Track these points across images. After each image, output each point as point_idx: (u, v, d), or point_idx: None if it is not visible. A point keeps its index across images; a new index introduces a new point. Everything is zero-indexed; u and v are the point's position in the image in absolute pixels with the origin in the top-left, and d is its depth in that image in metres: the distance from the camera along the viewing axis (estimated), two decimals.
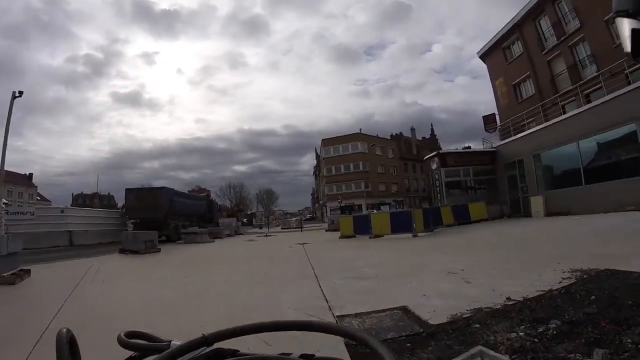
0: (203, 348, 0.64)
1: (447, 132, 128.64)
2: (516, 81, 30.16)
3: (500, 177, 24.58)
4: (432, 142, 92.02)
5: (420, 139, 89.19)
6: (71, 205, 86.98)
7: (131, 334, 0.71)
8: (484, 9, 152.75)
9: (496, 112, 33.64)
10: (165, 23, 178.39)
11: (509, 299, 4.83)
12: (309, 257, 10.78)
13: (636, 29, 0.86)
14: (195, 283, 7.62)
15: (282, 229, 43.67)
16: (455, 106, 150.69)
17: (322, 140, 67.99)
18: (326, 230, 27.33)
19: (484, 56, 34.69)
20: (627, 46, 0.89)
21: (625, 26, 0.88)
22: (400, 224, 16.38)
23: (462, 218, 20.03)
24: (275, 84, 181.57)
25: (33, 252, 17.36)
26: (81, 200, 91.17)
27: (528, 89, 29.55)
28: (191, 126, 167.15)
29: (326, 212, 64.26)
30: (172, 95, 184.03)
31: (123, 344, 0.69)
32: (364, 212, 49.37)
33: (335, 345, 2.76)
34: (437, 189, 24.21)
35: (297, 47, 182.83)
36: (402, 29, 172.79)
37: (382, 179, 65.84)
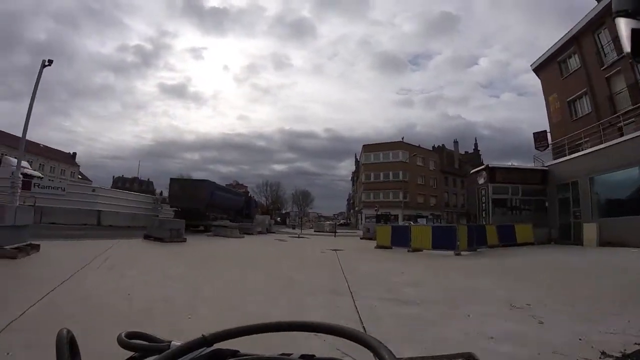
0: (203, 348, 0.63)
1: (489, 149, 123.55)
2: (571, 97, 27.63)
3: (550, 198, 22.41)
4: (475, 157, 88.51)
5: (463, 153, 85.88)
6: (111, 188, 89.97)
7: (131, 335, 0.70)
8: (532, 25, 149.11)
9: (548, 130, 31.38)
10: (214, 20, 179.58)
11: (604, 354, 3.59)
12: (342, 266, 9.58)
13: (636, 29, 0.87)
14: (210, 283, 6.57)
15: (315, 231, 42.57)
16: (499, 123, 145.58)
17: (363, 146, 66.67)
18: (361, 238, 26.02)
19: (538, 69, 32.30)
20: (627, 46, 0.89)
21: (626, 26, 0.89)
22: (443, 240, 14.91)
23: (507, 239, 18.30)
24: (319, 87, 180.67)
25: (58, 228, 17.25)
26: (121, 183, 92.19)
27: (584, 106, 26.99)
28: (233, 122, 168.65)
29: (361, 219, 62.90)
30: (217, 90, 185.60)
31: (123, 344, 0.67)
32: (400, 222, 47.68)
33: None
34: (483, 205, 22.35)
35: (342, 52, 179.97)
36: (448, 40, 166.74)
37: (421, 191, 63.63)
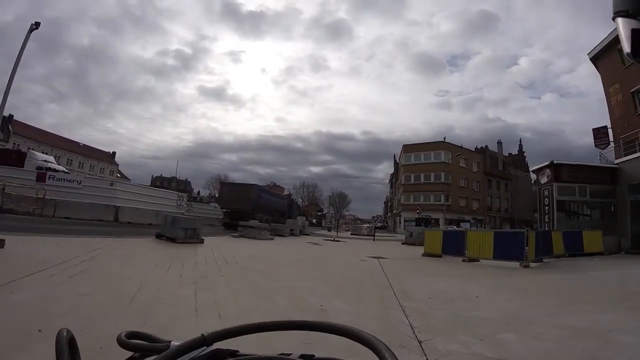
0: (203, 348, 0.63)
1: (530, 152, 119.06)
2: (635, 88, 24.04)
3: (620, 201, 19.15)
4: (519, 159, 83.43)
5: (507, 154, 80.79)
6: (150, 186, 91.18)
7: (131, 335, 0.69)
8: (573, 24, 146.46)
9: (608, 125, 27.77)
10: (252, 23, 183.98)
11: None
12: (391, 284, 7.12)
13: (636, 29, 0.86)
14: (201, 311, 4.29)
15: (351, 234, 40.10)
16: (541, 125, 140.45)
17: (403, 146, 63.46)
18: (402, 243, 23.36)
19: (596, 58, 28.46)
20: (627, 46, 0.89)
21: (625, 26, 0.88)
22: (507, 248, 12.28)
23: (574, 248, 15.65)
24: (356, 89, 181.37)
25: (72, 223, 15.73)
26: (159, 182, 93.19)
27: None
28: (271, 124, 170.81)
29: (400, 222, 60.01)
30: (255, 93, 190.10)
31: (123, 344, 0.67)
32: (441, 227, 44.43)
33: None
34: (546, 208, 19.20)
35: (379, 54, 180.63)
36: (487, 40, 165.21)
37: (464, 194, 59.67)
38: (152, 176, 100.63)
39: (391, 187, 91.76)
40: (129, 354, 0.68)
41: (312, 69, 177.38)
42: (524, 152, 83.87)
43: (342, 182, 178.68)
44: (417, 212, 43.38)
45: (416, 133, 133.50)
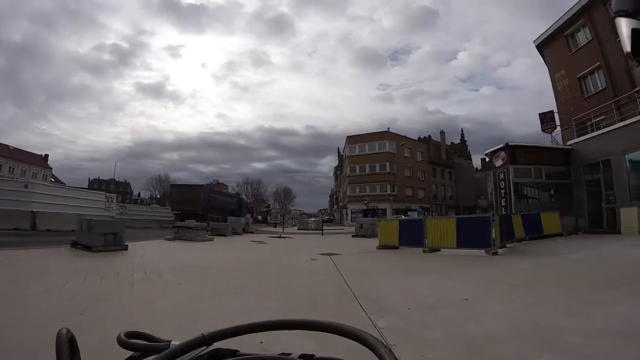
0: (203, 348, 0.63)
1: (471, 142, 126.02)
2: (582, 73, 24.70)
3: (576, 181, 19.33)
4: (462, 147, 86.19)
5: (449, 144, 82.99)
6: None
7: (131, 334, 0.69)
8: (511, 19, 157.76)
9: (555, 110, 28.62)
10: (192, 17, 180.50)
11: None
12: (352, 289, 5.73)
13: (636, 29, 0.87)
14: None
15: (298, 229, 38.68)
16: (480, 116, 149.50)
17: (348, 137, 62.87)
18: (353, 236, 22.28)
19: (542, 45, 29.29)
20: (627, 46, 0.89)
21: (626, 26, 0.88)
22: (471, 235, 11.45)
23: (533, 231, 15.36)
24: (298, 84, 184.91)
25: None
26: (97, 185, 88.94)
27: (596, 82, 24.16)
28: (212, 120, 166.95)
29: (347, 214, 59.63)
30: (195, 88, 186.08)
31: (123, 344, 0.67)
32: (388, 217, 44.24)
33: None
34: (502, 191, 18.81)
35: (321, 49, 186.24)
36: (428, 35, 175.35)
37: (409, 183, 60.23)
38: (89, 179, 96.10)
39: (336, 180, 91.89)
40: (129, 353, 0.67)
41: (254, 64, 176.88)
42: (465, 140, 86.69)
43: (287, 177, 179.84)
44: (365, 203, 42.73)
45: (359, 126, 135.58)
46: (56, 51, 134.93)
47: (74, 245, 11.21)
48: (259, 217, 65.50)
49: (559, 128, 26.81)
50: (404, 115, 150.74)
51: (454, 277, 7.08)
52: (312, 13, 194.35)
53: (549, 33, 27.37)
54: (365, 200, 43.79)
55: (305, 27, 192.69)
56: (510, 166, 18.47)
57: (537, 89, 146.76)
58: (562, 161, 19.64)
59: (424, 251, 11.99)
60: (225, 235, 21.38)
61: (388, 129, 62.37)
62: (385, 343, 0.54)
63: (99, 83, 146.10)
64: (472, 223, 12.09)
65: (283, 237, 21.16)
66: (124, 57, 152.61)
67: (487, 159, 20.92)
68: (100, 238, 10.79)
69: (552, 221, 16.26)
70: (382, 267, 9.15)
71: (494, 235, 10.89)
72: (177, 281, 6.38)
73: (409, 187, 59.91)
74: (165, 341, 0.69)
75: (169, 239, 16.73)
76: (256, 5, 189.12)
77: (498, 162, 19.26)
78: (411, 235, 13.08)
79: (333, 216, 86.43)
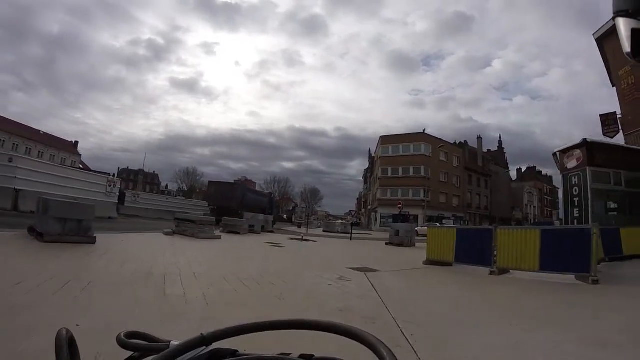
0: (202, 348, 0.63)
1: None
2: None
3: None
4: (499, 155, 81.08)
5: (486, 151, 78.02)
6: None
7: (130, 335, 0.68)
8: (546, 28, 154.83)
9: (618, 113, 24.54)
10: (226, 15, 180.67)
11: None
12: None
13: (636, 29, 0.87)
14: None
15: (324, 231, 35.60)
16: (512, 126, 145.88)
17: (381, 137, 59.26)
18: (386, 244, 18.96)
19: (603, 39, 25.05)
20: (627, 46, 0.89)
21: (626, 26, 0.89)
22: (561, 255, 8.18)
23: (612, 250, 11.67)
24: (329, 86, 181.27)
25: None
26: (126, 174, 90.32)
27: None
28: (244, 118, 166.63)
29: (375, 219, 56.19)
30: (228, 86, 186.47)
31: (122, 344, 0.66)
32: (421, 224, 40.62)
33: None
34: (576, 199, 14.99)
35: (353, 50, 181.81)
36: (462, 41, 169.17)
37: (444, 189, 56.07)
38: (119, 168, 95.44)
39: (365, 182, 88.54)
40: (129, 353, 0.66)
41: (287, 64, 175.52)
42: (503, 148, 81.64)
43: (314, 178, 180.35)
44: (399, 207, 39.02)
45: (389, 130, 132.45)
46: (92, 43, 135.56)
47: (31, 231, 8.58)
48: (284, 216, 63.01)
49: (622, 131, 22.82)
50: (435, 121, 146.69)
51: (589, 334, 3.75)
52: (345, 15, 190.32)
53: (611, 25, 23.32)
54: (400, 204, 40.09)
55: (337, 29, 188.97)
56: (588, 168, 14.66)
57: (572, 100, 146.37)
58: None
59: (491, 273, 8.72)
60: (239, 233, 18.52)
61: (424, 130, 58.54)
62: (385, 343, 0.53)
63: (134, 76, 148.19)
64: (564, 238, 8.65)
65: (305, 240, 18.07)
66: (159, 52, 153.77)
67: (557, 159, 16.96)
68: (56, 225, 8.06)
69: (633, 239, 12.49)
70: (454, 302, 5.84)
71: (592, 256, 7.60)
72: (119, 310, 3.31)
73: (443, 193, 55.79)
74: (164, 341, 0.67)
75: (167, 233, 13.93)
76: (290, 5, 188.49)
77: (571, 163, 15.46)
78: (472, 250, 9.79)
79: (360, 220, 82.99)
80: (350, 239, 22.15)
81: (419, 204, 48.85)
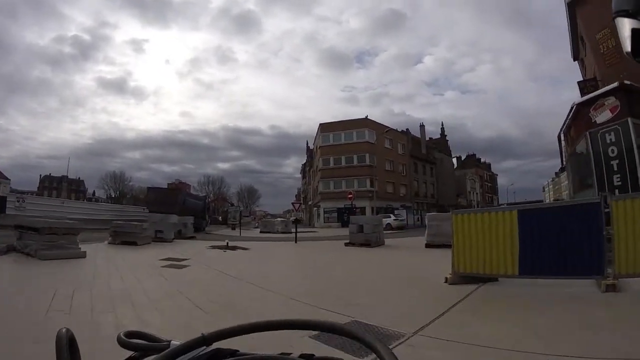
0: (203, 348, 0.62)
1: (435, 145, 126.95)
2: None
3: None
4: (442, 142, 79.53)
5: (428, 139, 76.05)
6: (37, 189, 76.02)
7: (131, 334, 0.67)
8: (478, 25, 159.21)
9: (598, 78, 21.69)
10: (156, 10, 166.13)
11: None
12: None
13: (636, 29, 0.87)
14: None
15: (261, 232, 29.88)
16: (444, 120, 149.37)
17: (320, 124, 54.17)
18: (347, 244, 13.90)
19: (575, 3, 22.28)
20: (627, 46, 0.88)
21: (625, 26, 0.88)
22: None
23: None
24: (263, 83, 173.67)
25: None
26: (48, 182, 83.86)
27: None
28: (176, 119, 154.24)
29: (318, 214, 51.26)
30: (159, 85, 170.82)
31: (123, 343, 0.65)
32: (368, 217, 36.17)
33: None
34: (615, 163, 10.64)
35: (287, 48, 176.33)
36: (394, 38, 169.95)
37: (391, 178, 52.17)
38: (41, 175, 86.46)
39: (304, 177, 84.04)
40: (129, 353, 0.66)
41: (219, 61, 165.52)
42: (446, 135, 79.83)
43: (251, 178, 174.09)
44: (350, 198, 33.95)
45: None
46: (16, 42, 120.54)
47: None
48: (219, 218, 56.70)
49: None
50: (370, 116, 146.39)
51: None
52: (279, 11, 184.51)
53: None
54: (351, 194, 35.13)
55: (271, 25, 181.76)
56: (630, 120, 10.38)
57: (500, 94, 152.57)
58: None
59: (608, 289, 3.92)
60: (135, 244, 12.61)
61: (367, 116, 54.24)
62: (385, 344, 0.54)
63: (60, 77, 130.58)
64: None
65: (231, 249, 12.48)
66: (86, 50, 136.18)
67: (565, 137, 12.69)
68: None
69: None
70: None
71: None
72: None
73: (390, 182, 51.95)
74: (165, 341, 0.67)
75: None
76: (223, 0, 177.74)
77: (602, 116, 11.23)
78: (554, 249, 4.92)
79: (301, 217, 78.00)
80: (295, 241, 16.72)
81: (366, 194, 44.42)
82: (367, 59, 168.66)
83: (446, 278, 6.09)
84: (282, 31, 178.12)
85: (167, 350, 0.58)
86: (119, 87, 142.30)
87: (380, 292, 5.57)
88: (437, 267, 7.10)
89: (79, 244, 9.54)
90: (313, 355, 0.63)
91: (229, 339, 0.62)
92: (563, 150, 20.15)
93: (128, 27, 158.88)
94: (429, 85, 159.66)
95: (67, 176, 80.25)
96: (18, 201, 23.60)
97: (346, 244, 14.02)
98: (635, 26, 0.85)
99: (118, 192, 77.90)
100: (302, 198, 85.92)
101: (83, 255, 9.03)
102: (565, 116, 16.36)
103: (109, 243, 13.15)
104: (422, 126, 70.01)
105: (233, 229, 36.10)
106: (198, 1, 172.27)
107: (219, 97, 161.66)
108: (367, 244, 13.30)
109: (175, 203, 28.09)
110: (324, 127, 52.89)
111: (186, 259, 9.29)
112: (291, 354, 0.64)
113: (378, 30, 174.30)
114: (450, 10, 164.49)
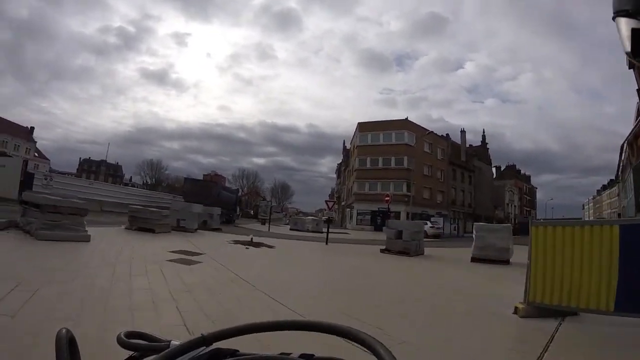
0: (202, 348, 0.62)
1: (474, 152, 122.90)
2: None
3: None
4: (482, 151, 75.90)
5: (468, 146, 72.67)
6: (76, 171, 78.95)
7: (131, 334, 0.67)
8: (519, 34, 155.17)
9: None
10: (199, 5, 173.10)
11: None
12: None
13: (636, 29, 0.86)
14: None
15: (290, 229, 28.99)
16: (482, 128, 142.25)
17: (359, 124, 52.63)
18: (382, 250, 12.49)
19: None
20: (627, 46, 0.88)
21: (626, 26, 0.87)
22: None
23: None
24: (302, 81, 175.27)
25: None
26: (87, 165, 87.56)
27: None
28: (214, 112, 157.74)
29: (351, 215, 49.76)
30: (199, 78, 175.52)
31: (122, 344, 0.65)
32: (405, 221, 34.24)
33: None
34: None
35: (327, 47, 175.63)
36: (435, 42, 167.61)
37: (428, 184, 49.82)
38: (80, 159, 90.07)
39: (338, 177, 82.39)
40: (129, 353, 0.66)
41: (259, 58, 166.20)
42: (487, 143, 76.12)
43: (285, 175, 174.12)
44: (387, 201, 32.11)
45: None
46: (60, 30, 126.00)
47: None
48: (251, 212, 56.39)
49: None
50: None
51: None
52: (320, 10, 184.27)
53: None
54: (388, 196, 33.34)
55: (311, 24, 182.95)
56: None
57: (540, 104, 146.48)
58: None
59: None
60: (153, 231, 11.68)
61: (407, 117, 52.22)
62: (384, 345, 0.53)
63: (103, 65, 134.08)
64: None
65: (255, 246, 11.31)
66: (129, 41, 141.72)
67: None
68: None
69: None
70: None
71: None
72: None
73: (427, 188, 49.68)
74: (165, 341, 0.67)
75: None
76: None
77: None
78: None
79: (333, 216, 76.72)
80: (326, 243, 15.39)
81: (401, 199, 42.63)
82: (407, 62, 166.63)
83: (516, 308, 4.63)
84: (322, 30, 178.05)
85: (166, 351, 0.57)
86: (160, 78, 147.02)
87: (434, 325, 4.15)
88: (494, 289, 5.88)
89: (85, 225, 8.60)
90: (313, 355, 0.62)
91: (228, 339, 0.62)
92: (623, 161, 18.32)
93: (172, 20, 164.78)
94: (469, 92, 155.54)
95: (105, 160, 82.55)
96: (45, 179, 23.49)
97: (382, 251, 12.59)
98: (635, 26, 0.84)
99: (154, 180, 79.36)
100: (335, 198, 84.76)
101: (87, 239, 8.05)
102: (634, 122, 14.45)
103: (125, 228, 12.32)
104: (462, 132, 66.98)
105: (263, 223, 34.90)
106: None
107: (258, 93, 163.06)
108: (405, 252, 11.80)
109: (210, 195, 28.54)
110: (362, 127, 51.35)
111: (200, 254, 8.14)
112: (291, 354, 0.63)
113: (418, 34, 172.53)
114: (491, 16, 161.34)
